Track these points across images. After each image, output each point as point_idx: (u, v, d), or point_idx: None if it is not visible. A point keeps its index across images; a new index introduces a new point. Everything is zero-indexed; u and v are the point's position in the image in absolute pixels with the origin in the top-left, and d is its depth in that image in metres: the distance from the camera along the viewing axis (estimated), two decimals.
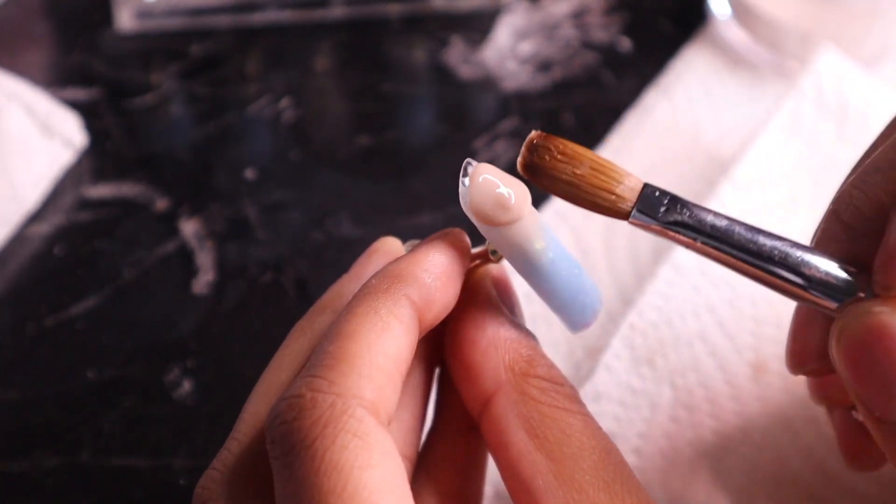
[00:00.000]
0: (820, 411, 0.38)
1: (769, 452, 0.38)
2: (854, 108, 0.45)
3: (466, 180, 0.27)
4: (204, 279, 0.45)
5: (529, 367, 0.27)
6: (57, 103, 0.48)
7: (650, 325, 0.40)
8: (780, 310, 0.41)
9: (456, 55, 0.52)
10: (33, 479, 0.40)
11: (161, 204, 0.47)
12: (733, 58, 0.51)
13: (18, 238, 0.46)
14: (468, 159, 0.27)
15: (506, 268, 0.30)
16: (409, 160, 0.49)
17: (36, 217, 0.47)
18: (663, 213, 0.27)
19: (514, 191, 0.27)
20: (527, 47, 0.52)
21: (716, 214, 0.27)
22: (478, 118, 0.50)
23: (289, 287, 0.45)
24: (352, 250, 0.46)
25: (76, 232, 0.47)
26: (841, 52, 0.47)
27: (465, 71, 0.51)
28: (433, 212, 0.47)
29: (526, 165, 0.28)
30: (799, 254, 0.27)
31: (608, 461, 0.26)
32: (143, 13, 0.53)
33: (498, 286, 0.29)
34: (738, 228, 0.27)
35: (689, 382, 0.39)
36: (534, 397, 0.27)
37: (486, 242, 0.29)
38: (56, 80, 0.51)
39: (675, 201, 0.27)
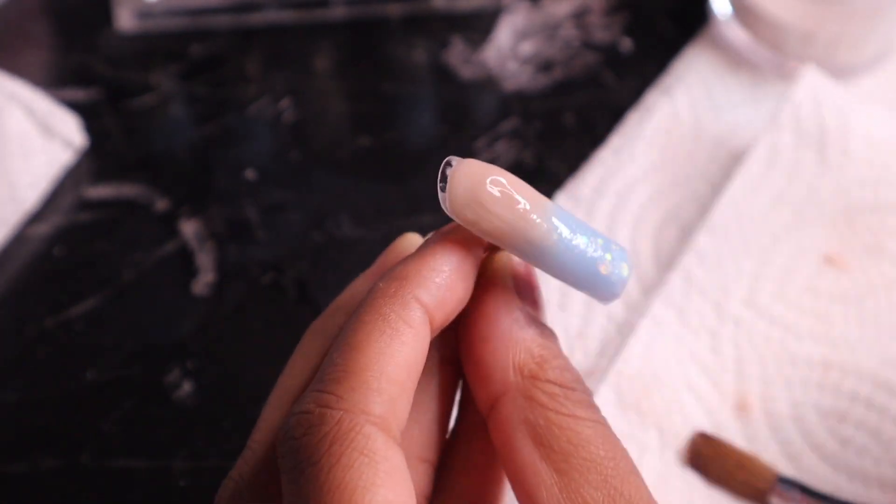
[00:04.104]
0: (802, 450, 0.39)
1: None
2: (833, 133, 0.46)
3: (444, 185, 0.25)
4: (204, 280, 0.45)
5: (539, 370, 0.26)
6: (56, 104, 0.48)
7: (635, 372, 0.40)
8: (762, 351, 0.41)
9: (456, 55, 0.52)
10: (33, 480, 0.40)
11: (161, 204, 0.47)
12: (735, 58, 0.50)
13: (18, 239, 0.46)
14: (448, 159, 0.26)
15: None
16: (409, 161, 0.49)
17: (35, 218, 0.47)
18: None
19: (499, 188, 0.25)
20: (527, 47, 0.52)
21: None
22: (478, 118, 0.50)
23: (289, 288, 0.45)
24: (352, 251, 0.46)
25: (76, 232, 0.46)
26: (822, 73, 0.47)
27: (465, 71, 0.51)
28: (434, 212, 0.47)
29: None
30: None
31: (617, 474, 0.25)
32: (143, 13, 0.52)
33: (518, 277, 0.28)
34: None
35: (675, 425, 0.39)
36: (541, 403, 0.25)
37: None
38: (56, 80, 0.51)
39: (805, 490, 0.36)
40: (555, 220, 0.26)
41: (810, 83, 0.46)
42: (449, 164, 0.26)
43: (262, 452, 0.27)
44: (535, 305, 0.28)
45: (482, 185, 0.25)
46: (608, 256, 0.26)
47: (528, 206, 0.25)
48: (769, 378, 0.40)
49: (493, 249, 0.28)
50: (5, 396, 0.42)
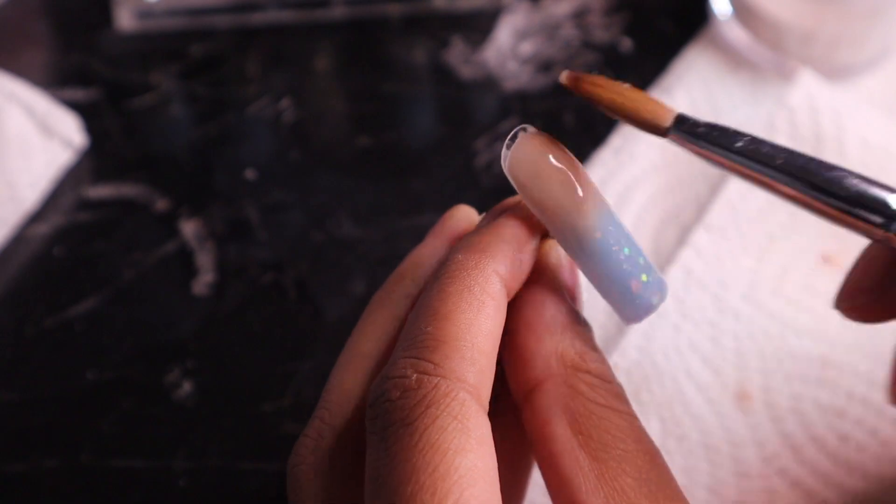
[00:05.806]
0: (803, 443, 0.39)
1: (759, 482, 0.38)
2: (829, 137, 0.46)
3: (511, 143, 0.26)
4: (204, 280, 0.45)
5: (581, 360, 0.27)
6: (56, 103, 0.48)
7: (633, 363, 0.41)
8: (762, 344, 0.41)
9: (456, 55, 0.52)
10: (32, 480, 0.40)
11: (161, 204, 0.47)
12: (735, 58, 0.50)
13: (17, 239, 0.46)
14: (525, 126, 0.27)
15: None
16: (409, 160, 0.49)
17: (35, 218, 0.47)
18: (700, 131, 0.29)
19: (561, 167, 0.26)
20: (527, 47, 0.52)
21: (754, 140, 0.28)
22: (478, 118, 0.50)
23: (289, 288, 0.45)
24: (352, 251, 0.46)
25: (76, 232, 0.46)
26: (820, 75, 0.47)
27: (465, 71, 0.51)
28: (434, 212, 0.46)
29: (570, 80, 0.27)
30: (837, 173, 0.26)
31: (652, 466, 0.25)
32: (143, 13, 0.52)
33: (561, 268, 0.28)
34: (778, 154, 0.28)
35: (676, 414, 0.40)
36: (582, 392, 0.26)
37: None
38: (55, 80, 0.51)
39: (711, 125, 0.28)
40: (603, 219, 0.26)
41: (806, 88, 0.47)
42: (524, 128, 0.27)
43: (338, 413, 0.27)
44: (574, 299, 0.29)
45: (546, 157, 0.26)
46: (644, 277, 0.27)
47: (581, 195, 0.26)
48: (769, 370, 0.41)
49: (545, 238, 0.28)
50: (5, 396, 0.42)
